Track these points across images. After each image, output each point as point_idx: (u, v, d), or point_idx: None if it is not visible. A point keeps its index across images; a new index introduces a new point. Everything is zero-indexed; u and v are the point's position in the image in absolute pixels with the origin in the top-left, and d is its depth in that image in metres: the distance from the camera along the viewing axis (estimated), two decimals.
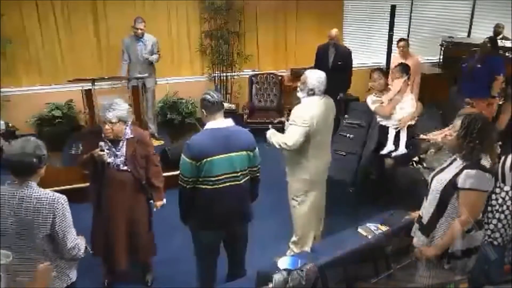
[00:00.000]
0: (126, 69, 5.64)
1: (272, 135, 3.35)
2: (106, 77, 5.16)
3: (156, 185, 3.17)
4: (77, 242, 2.23)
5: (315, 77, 3.27)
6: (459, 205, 2.35)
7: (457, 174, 2.35)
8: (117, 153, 2.97)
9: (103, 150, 2.90)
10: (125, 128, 2.96)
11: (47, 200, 2.10)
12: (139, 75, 5.52)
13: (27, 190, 2.10)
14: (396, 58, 5.98)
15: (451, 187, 2.36)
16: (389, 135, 4.42)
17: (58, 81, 6.10)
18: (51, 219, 2.10)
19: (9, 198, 2.08)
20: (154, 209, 3.23)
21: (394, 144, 4.40)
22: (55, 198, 2.12)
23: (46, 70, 6.11)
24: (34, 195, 2.09)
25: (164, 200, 3.22)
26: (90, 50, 6.24)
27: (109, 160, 2.96)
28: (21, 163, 2.07)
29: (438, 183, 2.44)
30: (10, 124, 5.68)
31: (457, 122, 2.42)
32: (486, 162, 2.34)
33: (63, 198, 2.16)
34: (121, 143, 2.97)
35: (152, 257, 3.42)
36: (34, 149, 2.10)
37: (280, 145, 3.27)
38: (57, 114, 5.51)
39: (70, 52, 6.14)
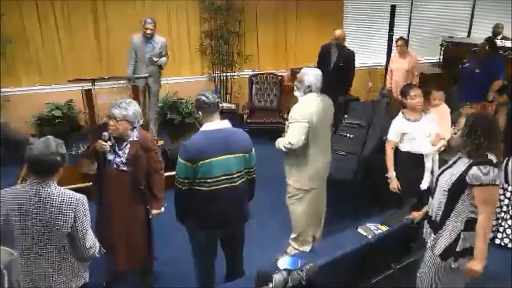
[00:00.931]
0: (133, 69, 5.64)
1: (280, 141, 3.33)
2: (106, 77, 5.16)
3: (155, 194, 3.13)
4: (94, 241, 2.26)
5: (312, 74, 3.27)
6: (474, 202, 2.34)
7: (466, 172, 2.34)
8: (119, 152, 2.97)
9: (106, 141, 2.92)
10: (131, 130, 2.94)
11: (68, 199, 2.12)
12: (140, 75, 5.51)
13: (48, 189, 2.11)
14: (394, 57, 5.99)
15: (460, 185, 2.36)
16: (426, 164, 3.57)
17: (58, 81, 6.09)
18: (72, 218, 2.11)
19: (31, 197, 2.10)
20: (150, 216, 3.18)
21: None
22: (76, 198, 2.14)
23: (46, 70, 6.11)
24: (56, 194, 2.11)
25: (162, 209, 3.17)
26: (90, 50, 6.24)
27: (110, 157, 2.97)
28: (45, 162, 2.09)
29: (445, 181, 2.44)
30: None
31: (461, 120, 2.42)
32: (493, 158, 2.35)
33: (84, 198, 2.18)
34: (124, 144, 2.96)
35: (150, 260, 3.39)
36: (57, 148, 2.13)
37: (285, 147, 3.25)
38: (57, 114, 5.50)
39: (70, 52, 6.14)
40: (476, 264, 2.36)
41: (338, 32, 5.77)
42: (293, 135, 3.20)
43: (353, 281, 2.97)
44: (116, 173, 2.98)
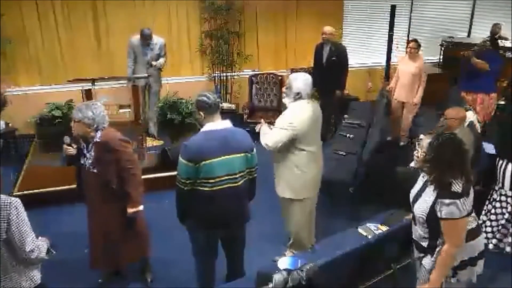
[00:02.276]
0: (132, 70, 5.64)
1: (262, 133, 3.29)
2: (106, 77, 5.16)
3: (128, 193, 3.02)
4: (37, 244, 2.16)
5: (301, 80, 3.19)
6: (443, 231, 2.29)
7: (435, 203, 2.28)
8: (87, 154, 2.99)
9: (69, 144, 3.00)
10: (94, 132, 2.92)
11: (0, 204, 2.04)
12: (140, 75, 5.52)
13: None
14: (403, 58, 5.85)
15: (434, 215, 2.30)
16: None
17: (58, 81, 6.09)
18: (5, 223, 2.04)
19: None
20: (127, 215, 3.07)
21: None
22: (8, 202, 2.05)
23: (46, 70, 6.11)
24: None
25: (141, 207, 3.09)
26: (90, 50, 6.23)
27: (82, 160, 3.03)
28: None
29: (420, 209, 2.38)
30: (10, 124, 5.68)
31: (425, 142, 2.29)
32: (457, 186, 2.24)
33: (17, 201, 2.10)
34: (90, 146, 2.98)
35: (145, 258, 3.41)
36: None
37: (262, 144, 3.24)
38: (57, 114, 5.51)
39: (70, 52, 6.14)
40: None
41: (325, 28, 5.81)
42: (273, 138, 3.18)
43: (353, 281, 2.97)
44: (88, 175, 3.02)
